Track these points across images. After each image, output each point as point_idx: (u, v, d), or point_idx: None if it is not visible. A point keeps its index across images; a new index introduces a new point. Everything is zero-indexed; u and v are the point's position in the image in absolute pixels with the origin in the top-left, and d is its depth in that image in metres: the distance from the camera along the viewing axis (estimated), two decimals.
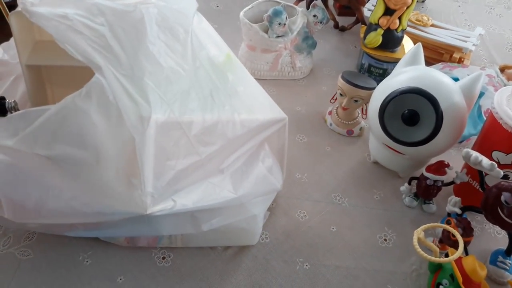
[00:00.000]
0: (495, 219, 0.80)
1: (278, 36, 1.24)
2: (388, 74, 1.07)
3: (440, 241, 0.88)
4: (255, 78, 0.92)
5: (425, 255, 0.76)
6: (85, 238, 0.88)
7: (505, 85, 1.19)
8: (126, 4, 0.73)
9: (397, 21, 1.20)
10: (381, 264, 0.90)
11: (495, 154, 0.90)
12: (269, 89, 1.27)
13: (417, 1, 1.54)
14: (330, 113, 1.19)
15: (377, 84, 1.04)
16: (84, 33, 0.69)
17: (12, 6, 1.17)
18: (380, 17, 1.21)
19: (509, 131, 0.85)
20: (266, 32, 1.24)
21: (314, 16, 1.27)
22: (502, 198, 0.78)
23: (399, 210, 1.00)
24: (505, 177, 0.87)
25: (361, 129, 1.17)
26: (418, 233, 0.78)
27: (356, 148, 1.15)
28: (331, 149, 1.13)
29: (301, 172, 1.06)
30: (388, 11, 1.19)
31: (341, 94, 1.12)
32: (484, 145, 0.94)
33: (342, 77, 1.10)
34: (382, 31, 1.22)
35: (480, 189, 0.88)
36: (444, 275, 0.79)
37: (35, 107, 0.70)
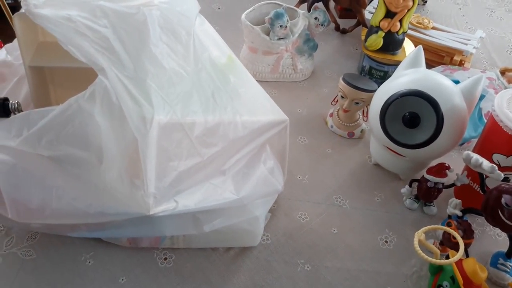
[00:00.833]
0: (495, 221, 0.81)
1: (279, 39, 1.25)
2: (389, 76, 1.07)
3: (441, 243, 0.89)
4: (257, 80, 0.92)
5: (426, 257, 0.76)
6: (87, 238, 0.89)
7: (505, 88, 1.20)
8: (129, 6, 0.73)
9: (398, 23, 1.21)
10: (381, 266, 0.90)
11: (496, 156, 0.90)
12: (270, 91, 1.27)
13: (418, 4, 1.54)
14: (331, 115, 1.19)
15: (378, 87, 1.04)
16: (88, 35, 0.70)
17: (13, 7, 1.18)
18: (381, 20, 1.21)
19: (509, 133, 0.86)
20: (268, 34, 1.25)
21: (316, 18, 1.27)
22: (503, 200, 0.78)
23: (400, 212, 1.00)
24: (506, 179, 0.87)
25: (362, 131, 1.17)
26: (419, 235, 0.79)
27: (357, 150, 1.15)
28: (332, 151, 1.14)
29: (302, 174, 1.07)
30: (389, 14, 1.20)
31: (342, 96, 1.12)
32: (484, 148, 0.94)
33: (343, 79, 1.10)
34: (383, 34, 1.22)
35: (480, 191, 0.88)
36: (445, 277, 0.79)
37: (39, 108, 0.70)
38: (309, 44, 1.29)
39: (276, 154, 0.92)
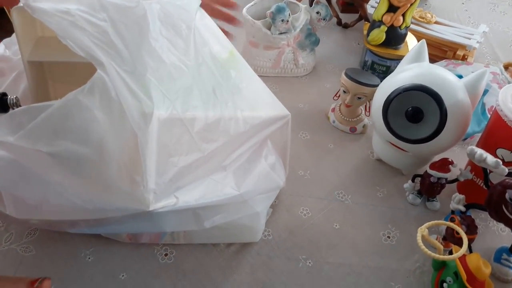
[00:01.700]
0: (499, 217, 0.80)
1: (281, 33, 1.24)
2: (392, 71, 1.06)
3: (444, 239, 0.88)
4: (258, 75, 0.91)
5: (429, 252, 0.76)
6: (87, 234, 0.88)
7: (509, 83, 1.19)
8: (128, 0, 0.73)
9: (401, 18, 1.20)
10: (384, 261, 0.89)
11: (500, 151, 0.89)
12: (271, 86, 1.26)
13: None
14: (333, 110, 1.19)
15: (381, 81, 1.03)
16: (87, 29, 0.69)
17: None
18: (384, 14, 1.20)
19: None
20: (269, 29, 1.24)
21: (317, 12, 1.27)
22: (507, 195, 0.77)
23: (402, 208, 1.00)
24: (510, 174, 0.86)
25: (364, 126, 1.16)
26: (422, 230, 0.78)
27: (359, 145, 1.14)
28: (334, 146, 1.13)
29: (304, 169, 1.06)
30: (392, 8, 1.19)
31: (344, 91, 1.11)
32: (488, 143, 0.93)
33: (345, 74, 1.09)
34: (386, 28, 1.21)
35: (484, 186, 0.87)
36: (448, 273, 0.79)
37: (37, 103, 0.70)
38: (311, 38, 1.29)
39: (277, 150, 0.92)
